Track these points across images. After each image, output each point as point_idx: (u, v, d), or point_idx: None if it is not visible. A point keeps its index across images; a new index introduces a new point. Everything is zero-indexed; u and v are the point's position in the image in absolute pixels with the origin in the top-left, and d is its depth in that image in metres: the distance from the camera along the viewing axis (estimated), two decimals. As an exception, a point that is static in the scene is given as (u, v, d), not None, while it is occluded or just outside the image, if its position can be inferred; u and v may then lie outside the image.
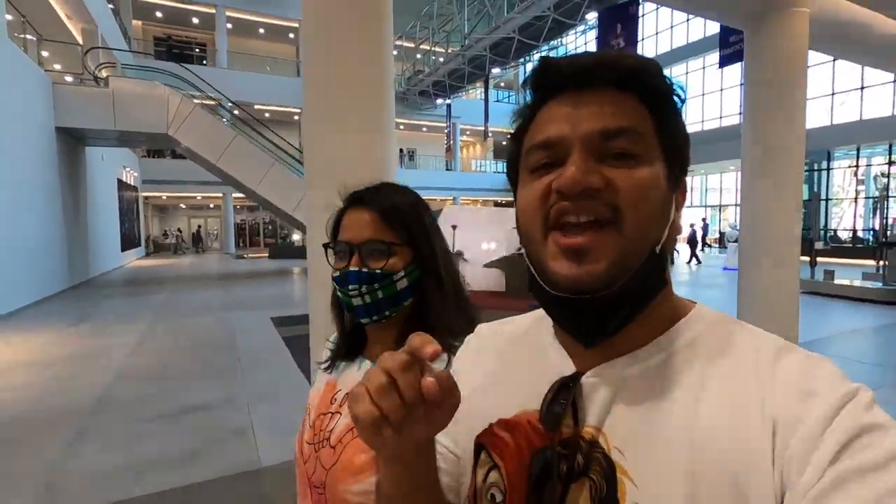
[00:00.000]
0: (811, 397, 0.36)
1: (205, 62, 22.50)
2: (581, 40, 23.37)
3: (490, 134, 22.96)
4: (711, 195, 23.86)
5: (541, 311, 0.50)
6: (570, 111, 0.42)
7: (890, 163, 16.14)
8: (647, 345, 0.43)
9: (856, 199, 18.66)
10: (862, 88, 14.17)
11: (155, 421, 3.43)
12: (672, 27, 20.96)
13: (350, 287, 0.75)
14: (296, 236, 22.87)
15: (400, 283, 0.76)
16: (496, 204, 25.80)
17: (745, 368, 0.39)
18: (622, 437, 0.41)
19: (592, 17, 14.35)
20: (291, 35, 22.96)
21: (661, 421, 0.40)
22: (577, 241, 0.39)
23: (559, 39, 19.71)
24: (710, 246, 21.02)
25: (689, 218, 20.83)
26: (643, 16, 17.55)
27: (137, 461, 2.83)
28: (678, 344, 0.43)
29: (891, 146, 15.10)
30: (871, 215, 18.32)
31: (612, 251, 0.39)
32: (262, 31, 22.77)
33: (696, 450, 0.37)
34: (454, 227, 7.60)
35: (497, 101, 28.03)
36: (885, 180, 16.00)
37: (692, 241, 16.79)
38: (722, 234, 19.99)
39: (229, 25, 21.22)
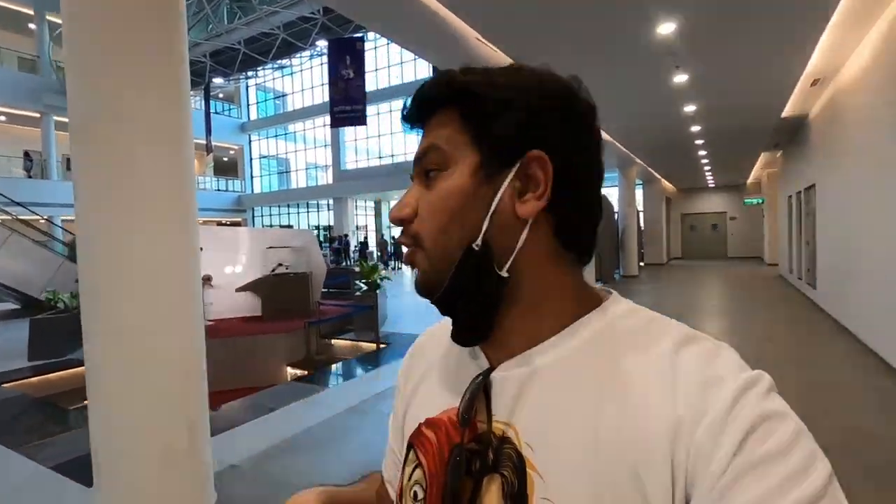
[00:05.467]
0: (712, 387, 0.36)
1: None
2: (316, 62, 23.73)
3: (212, 149, 20.90)
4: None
5: None
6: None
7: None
8: (551, 338, 0.43)
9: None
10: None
11: None
12: (389, 66, 23.58)
13: None
14: None
15: None
16: (218, 224, 23.53)
17: (649, 361, 0.39)
18: (532, 433, 0.41)
19: (324, 44, 14.97)
20: (32, 25, 16.50)
21: (567, 416, 0.40)
22: (407, 258, 0.47)
23: (288, 59, 19.73)
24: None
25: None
26: (376, 48, 19.23)
27: None
28: (582, 336, 0.43)
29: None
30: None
31: (422, 263, 0.45)
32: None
33: (599, 447, 0.37)
34: (201, 249, 6.95)
35: (217, 112, 25.74)
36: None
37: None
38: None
39: None
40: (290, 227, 26.05)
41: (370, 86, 15.23)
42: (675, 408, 0.36)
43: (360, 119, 13.15)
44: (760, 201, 17.63)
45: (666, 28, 4.62)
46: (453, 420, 0.46)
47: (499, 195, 0.42)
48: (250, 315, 7.69)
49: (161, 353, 2.22)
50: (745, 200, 19.20)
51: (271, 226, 27.09)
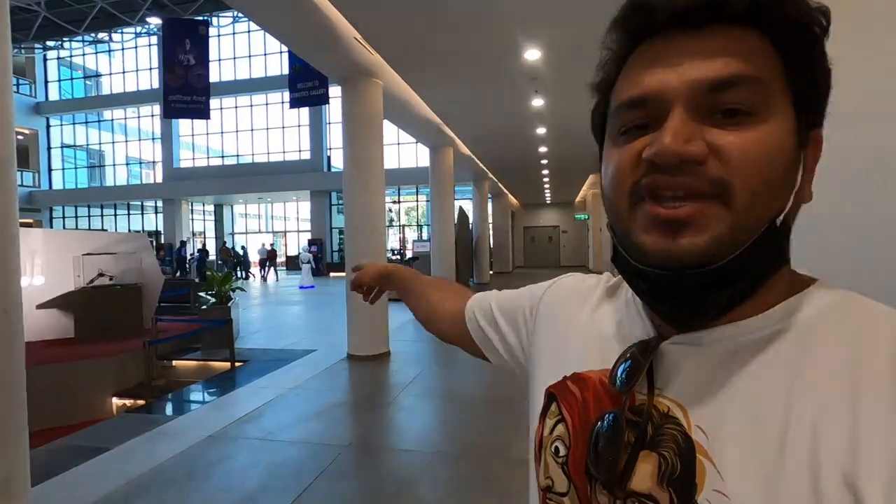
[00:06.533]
0: None
1: None
2: (144, 41, 20.49)
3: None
4: (277, 222, 25.91)
5: None
6: (670, 58, 0.35)
7: (396, 201, 22.43)
8: (751, 318, 0.36)
9: (390, 225, 24.77)
10: (399, 144, 19.26)
11: None
12: (236, 58, 21.61)
13: None
14: None
15: None
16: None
17: (847, 361, 0.32)
18: (706, 418, 0.36)
19: (157, 21, 13.04)
20: None
21: (753, 408, 0.34)
22: (674, 212, 0.34)
23: (108, 33, 16.64)
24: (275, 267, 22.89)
25: (261, 240, 21.95)
26: (220, 36, 17.25)
27: None
28: (793, 321, 0.35)
29: (417, 189, 21.10)
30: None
31: (718, 226, 0.33)
32: None
33: (787, 448, 0.31)
34: None
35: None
36: (391, 214, 22.29)
37: (267, 260, 18.93)
38: (293, 257, 22.06)
39: None
40: (104, 230, 22.05)
41: (213, 77, 13.69)
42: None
43: (202, 112, 11.78)
44: (587, 217, 20.37)
45: (532, 55, 5.05)
46: (605, 382, 0.43)
47: (801, 165, 0.37)
48: (58, 337, 6.25)
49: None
50: (576, 216, 22.02)
51: (77, 229, 22.60)
